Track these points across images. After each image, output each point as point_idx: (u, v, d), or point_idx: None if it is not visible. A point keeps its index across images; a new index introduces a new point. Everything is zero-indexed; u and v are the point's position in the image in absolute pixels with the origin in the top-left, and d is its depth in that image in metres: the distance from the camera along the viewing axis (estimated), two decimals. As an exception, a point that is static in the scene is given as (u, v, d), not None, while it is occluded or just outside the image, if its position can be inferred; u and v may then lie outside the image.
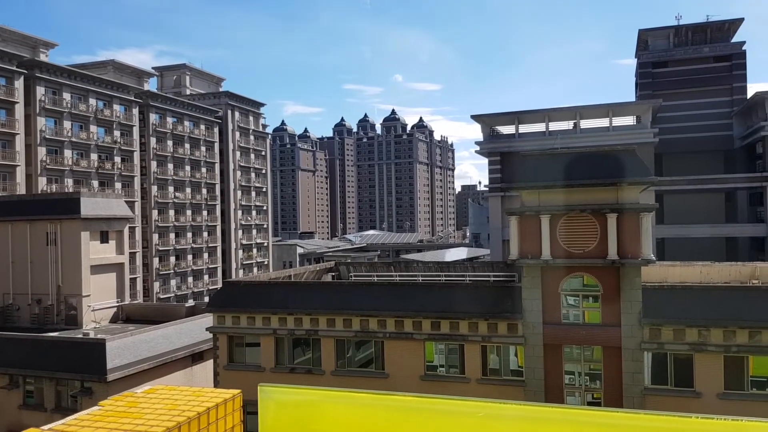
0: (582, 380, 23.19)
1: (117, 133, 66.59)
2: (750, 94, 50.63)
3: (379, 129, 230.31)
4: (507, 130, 52.44)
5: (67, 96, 61.05)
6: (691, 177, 48.49)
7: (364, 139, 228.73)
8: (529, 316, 23.28)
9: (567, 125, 51.08)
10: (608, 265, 22.36)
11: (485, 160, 52.78)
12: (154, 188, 72.38)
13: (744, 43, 53.52)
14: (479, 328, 23.86)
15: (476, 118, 51.69)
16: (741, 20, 55.38)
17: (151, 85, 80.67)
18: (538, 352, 23.20)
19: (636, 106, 50.18)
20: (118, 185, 66.18)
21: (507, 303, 23.89)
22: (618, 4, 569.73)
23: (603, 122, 49.88)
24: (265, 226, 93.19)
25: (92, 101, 63.72)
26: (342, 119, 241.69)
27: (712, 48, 54.35)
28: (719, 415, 2.08)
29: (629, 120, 50.83)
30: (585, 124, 50.53)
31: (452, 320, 24.09)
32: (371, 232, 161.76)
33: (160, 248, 72.66)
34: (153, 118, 72.49)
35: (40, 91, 58.46)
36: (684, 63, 54.80)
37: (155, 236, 72.14)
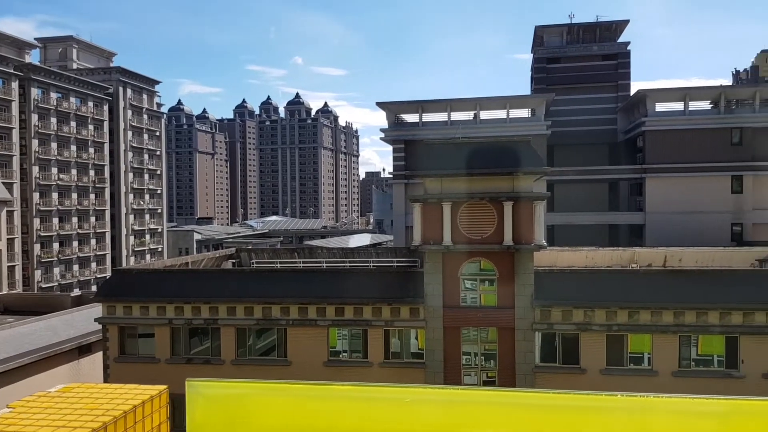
0: (478, 360, 24.19)
1: (-9, 108, 60.85)
2: (633, 91, 54.59)
3: (282, 112, 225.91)
4: (411, 118, 53.23)
5: (-70, 64, 54.95)
6: (579, 168, 51.65)
7: (267, 123, 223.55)
8: (430, 300, 23.90)
9: (468, 115, 52.65)
10: (504, 250, 23.39)
11: (389, 147, 53.35)
12: (35, 169, 66.91)
13: (629, 43, 57.56)
14: (383, 312, 24.19)
15: (381, 105, 52.04)
16: (627, 22, 59.44)
17: (33, 58, 74.13)
18: (438, 334, 23.91)
19: (531, 100, 52.60)
20: (-8, 165, 60.61)
21: (409, 288, 24.37)
22: (517, 0, 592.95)
23: (501, 114, 51.86)
24: (159, 210, 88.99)
25: (-39, 71, 57.77)
26: (243, 101, 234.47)
27: (600, 47, 57.97)
28: (600, 391, 2.24)
29: (525, 112, 53.20)
30: (484, 114, 52.32)
31: (356, 306, 24.23)
32: (274, 218, 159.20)
33: (42, 234, 67.46)
34: (35, 93, 66.80)
35: None
36: (575, 60, 58.07)
37: (36, 221, 66.84)
